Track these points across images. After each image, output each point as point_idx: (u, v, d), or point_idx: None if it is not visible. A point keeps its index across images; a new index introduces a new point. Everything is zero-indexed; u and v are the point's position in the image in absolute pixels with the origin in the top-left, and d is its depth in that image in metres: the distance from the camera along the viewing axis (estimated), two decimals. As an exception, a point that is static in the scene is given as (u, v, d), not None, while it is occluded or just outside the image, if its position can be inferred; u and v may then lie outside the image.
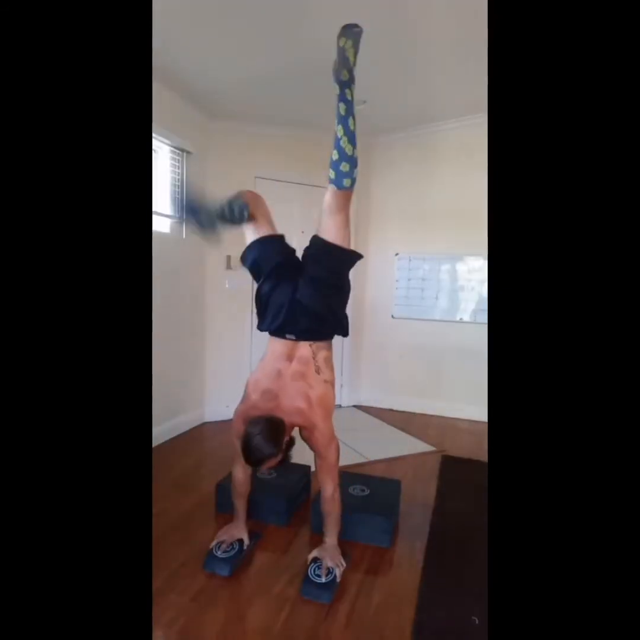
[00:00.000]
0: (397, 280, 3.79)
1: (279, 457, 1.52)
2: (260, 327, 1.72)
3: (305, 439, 1.66)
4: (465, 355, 3.50)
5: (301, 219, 3.64)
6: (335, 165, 1.63)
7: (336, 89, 1.59)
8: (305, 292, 1.60)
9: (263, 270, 1.69)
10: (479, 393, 3.29)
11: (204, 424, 3.38)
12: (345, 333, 1.74)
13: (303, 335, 1.63)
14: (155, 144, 2.83)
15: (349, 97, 1.60)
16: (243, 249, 1.80)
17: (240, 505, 1.82)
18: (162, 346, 2.71)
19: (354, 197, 1.81)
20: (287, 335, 1.63)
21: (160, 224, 2.92)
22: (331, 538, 1.70)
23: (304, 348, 1.64)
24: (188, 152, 3.06)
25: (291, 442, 1.61)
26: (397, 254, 3.78)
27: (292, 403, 1.59)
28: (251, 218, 1.73)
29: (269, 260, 1.68)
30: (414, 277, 3.74)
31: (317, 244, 1.67)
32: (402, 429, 3.36)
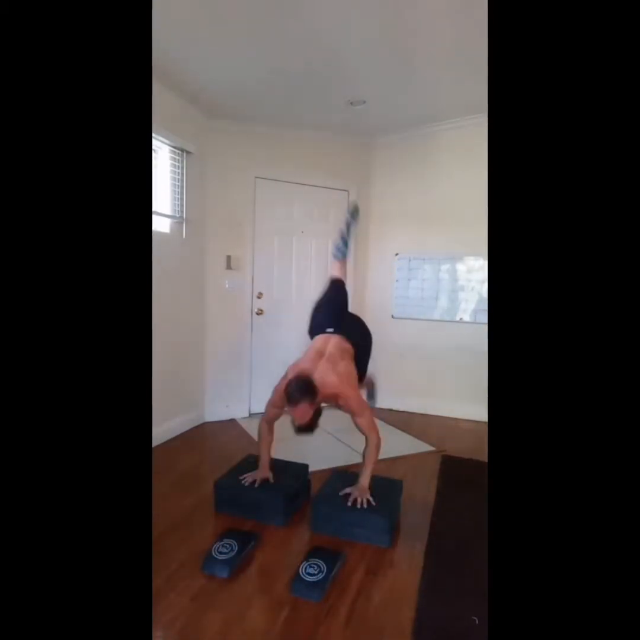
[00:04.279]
0: (397, 280, 3.79)
1: (312, 410, 1.86)
2: (309, 330, 2.40)
3: (341, 407, 2.02)
4: (465, 355, 3.50)
5: (301, 219, 3.64)
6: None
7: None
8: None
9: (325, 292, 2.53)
10: (479, 393, 3.28)
11: (204, 424, 3.38)
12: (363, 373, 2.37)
13: (338, 329, 2.25)
14: (155, 144, 2.83)
15: (353, 229, 2.74)
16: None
17: (265, 451, 2.18)
18: (162, 346, 2.71)
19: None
20: (327, 329, 2.26)
21: (160, 224, 2.92)
22: (364, 479, 2.01)
23: (334, 346, 2.15)
24: (188, 152, 3.06)
25: (319, 411, 1.93)
26: (397, 254, 3.78)
27: (325, 377, 1.97)
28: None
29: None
30: (414, 277, 3.74)
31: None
32: (402, 429, 3.36)
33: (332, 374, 2.00)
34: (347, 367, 2.11)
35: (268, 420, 2.16)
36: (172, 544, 1.83)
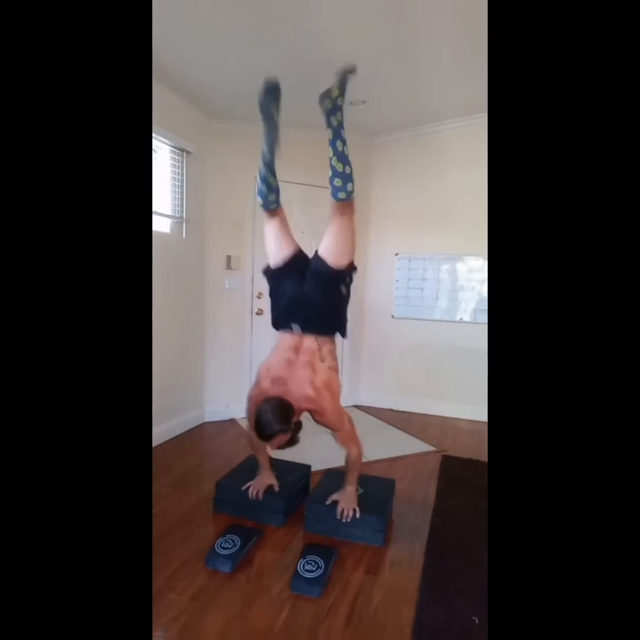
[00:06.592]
0: (397, 280, 3.79)
1: (287, 436, 1.69)
2: (272, 322, 1.93)
3: (318, 422, 1.82)
4: (465, 355, 3.50)
5: (301, 219, 3.63)
6: (330, 181, 1.79)
7: (323, 117, 1.76)
8: (310, 289, 1.82)
9: (277, 273, 1.91)
10: (479, 393, 3.29)
11: (204, 424, 3.38)
12: (343, 333, 1.93)
13: (306, 327, 1.82)
14: (155, 144, 2.83)
15: (335, 124, 1.74)
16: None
17: (263, 458, 2.07)
18: (162, 346, 2.71)
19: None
20: (292, 325, 1.82)
21: (160, 224, 2.92)
22: (351, 486, 1.93)
23: (310, 340, 1.82)
24: (188, 152, 3.06)
25: (299, 425, 1.78)
26: (397, 254, 3.78)
27: (300, 390, 1.75)
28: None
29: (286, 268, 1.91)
30: (414, 277, 3.73)
31: (318, 262, 1.86)
32: (402, 429, 3.36)
33: (308, 385, 1.74)
34: (328, 370, 1.80)
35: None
36: (172, 544, 1.83)
